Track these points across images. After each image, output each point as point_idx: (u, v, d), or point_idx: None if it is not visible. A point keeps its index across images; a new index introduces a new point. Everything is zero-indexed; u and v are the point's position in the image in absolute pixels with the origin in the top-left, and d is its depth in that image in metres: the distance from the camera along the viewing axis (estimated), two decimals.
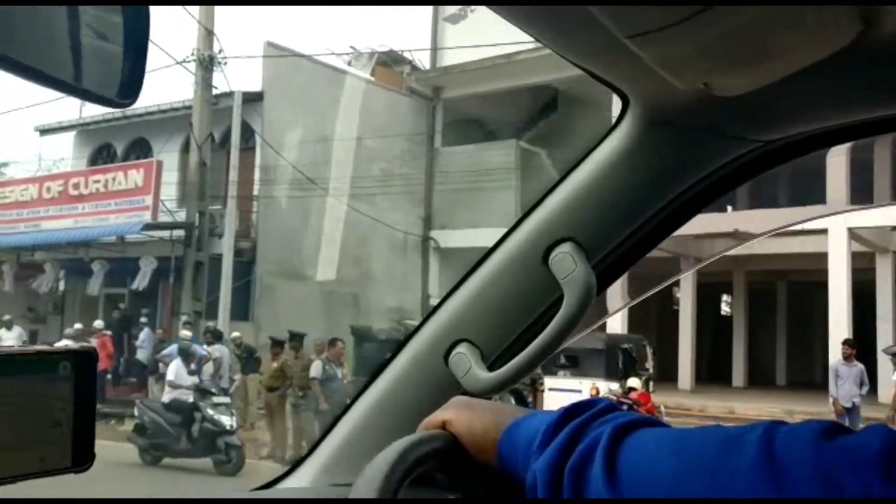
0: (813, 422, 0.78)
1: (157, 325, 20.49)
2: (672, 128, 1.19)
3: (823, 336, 23.91)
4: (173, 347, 15.58)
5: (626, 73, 1.10)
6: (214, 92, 19.18)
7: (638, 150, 1.22)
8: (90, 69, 0.82)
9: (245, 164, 19.96)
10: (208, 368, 14.81)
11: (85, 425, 0.82)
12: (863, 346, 14.79)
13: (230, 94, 19.48)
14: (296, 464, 1.42)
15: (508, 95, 24.67)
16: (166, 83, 17.39)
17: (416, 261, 24.50)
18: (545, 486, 0.88)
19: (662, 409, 14.64)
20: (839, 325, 19.11)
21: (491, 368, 1.24)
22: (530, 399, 13.31)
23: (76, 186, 21.98)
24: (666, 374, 21.80)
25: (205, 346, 15.35)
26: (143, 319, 20.57)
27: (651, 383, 15.51)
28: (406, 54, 25.84)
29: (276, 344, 14.60)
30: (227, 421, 12.54)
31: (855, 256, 20.07)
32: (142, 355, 18.83)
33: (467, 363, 1.26)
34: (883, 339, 19.50)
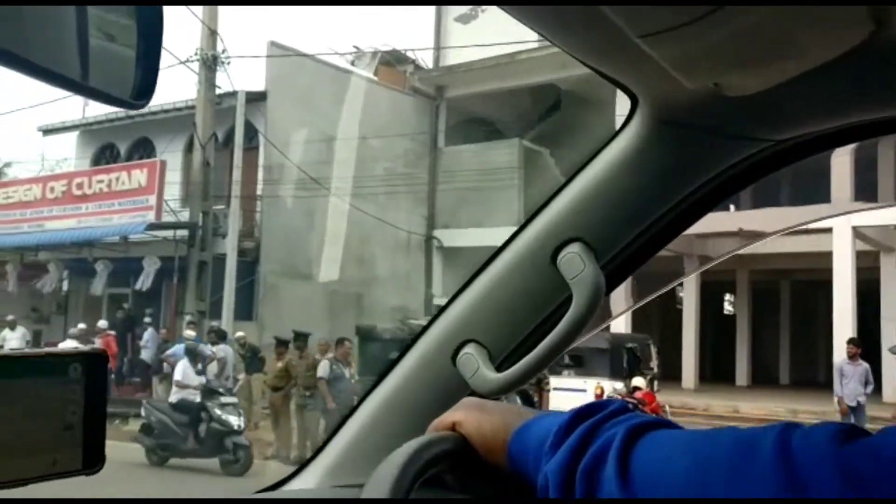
0: (829, 424, 0.78)
1: (161, 325, 20.48)
2: (681, 128, 1.18)
3: (827, 335, 23.87)
4: (178, 347, 15.57)
5: (636, 73, 1.09)
6: (218, 91, 19.19)
7: (647, 150, 1.21)
8: (104, 70, 0.81)
9: (248, 163, 19.97)
10: (212, 368, 14.81)
11: (95, 427, 0.82)
12: (867, 344, 14.77)
13: (233, 94, 19.50)
14: (303, 465, 1.42)
15: (512, 94, 24.67)
16: (170, 83, 17.39)
17: (419, 260, 24.49)
18: (557, 488, 0.88)
19: (667, 408, 14.64)
20: (844, 324, 19.08)
21: (499, 369, 1.24)
22: (536, 399, 13.32)
23: (80, 186, 21.98)
24: (669, 373, 21.78)
25: (209, 346, 15.36)
26: (146, 319, 20.55)
27: (656, 383, 15.50)
28: (409, 53, 25.86)
29: (281, 343, 14.57)
30: (234, 421, 12.52)
31: (859, 255, 20.05)
32: (146, 355, 18.83)
33: (475, 364, 1.25)
34: (887, 338, 19.47)
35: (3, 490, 0.76)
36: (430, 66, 26.22)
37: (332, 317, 20.19)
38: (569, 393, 13.31)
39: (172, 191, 21.34)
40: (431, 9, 26.33)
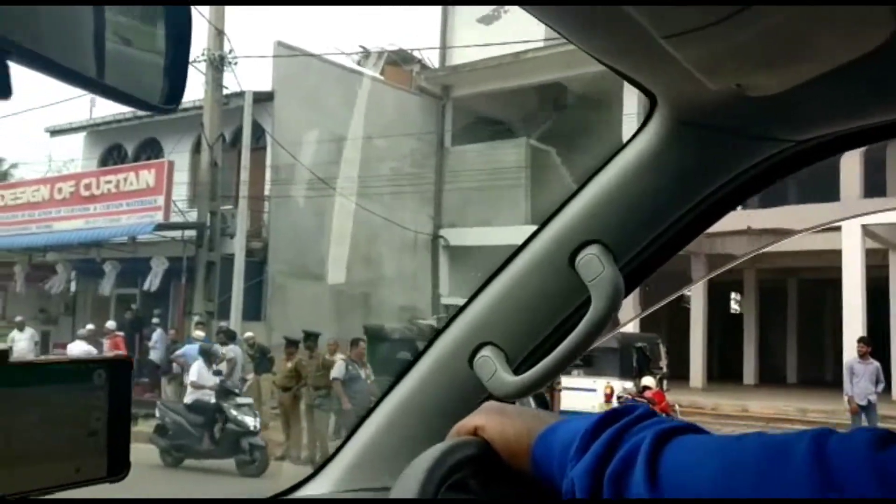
0: (864, 430, 0.77)
1: (169, 326, 20.51)
2: (701, 128, 1.18)
3: (834, 334, 23.83)
4: (187, 348, 15.59)
5: (656, 74, 1.09)
6: (225, 92, 19.22)
7: (666, 151, 1.21)
8: (133, 74, 0.81)
9: (256, 163, 19.99)
10: (222, 369, 14.81)
11: (120, 434, 0.82)
12: (877, 343, 14.74)
13: (241, 94, 19.52)
14: (320, 467, 1.41)
15: (518, 94, 24.67)
16: None
17: (426, 259, 24.50)
18: (584, 492, 0.88)
19: (677, 407, 14.63)
20: (853, 322, 19.03)
21: (516, 372, 1.23)
22: (548, 398, 13.28)
23: (87, 187, 22.02)
24: (677, 373, 21.76)
25: (219, 347, 15.36)
26: (155, 320, 20.59)
27: (665, 382, 15.49)
28: (416, 53, 25.88)
29: (291, 344, 14.52)
30: (250, 422, 12.52)
31: (868, 253, 20.00)
32: (154, 356, 18.85)
33: (492, 366, 1.24)
34: None
35: (30, 497, 0.76)
36: (437, 65, 26.22)
37: (339, 317, 20.21)
38: (579, 392, 13.31)
39: (180, 191, 21.38)
40: (438, 8, 26.35)
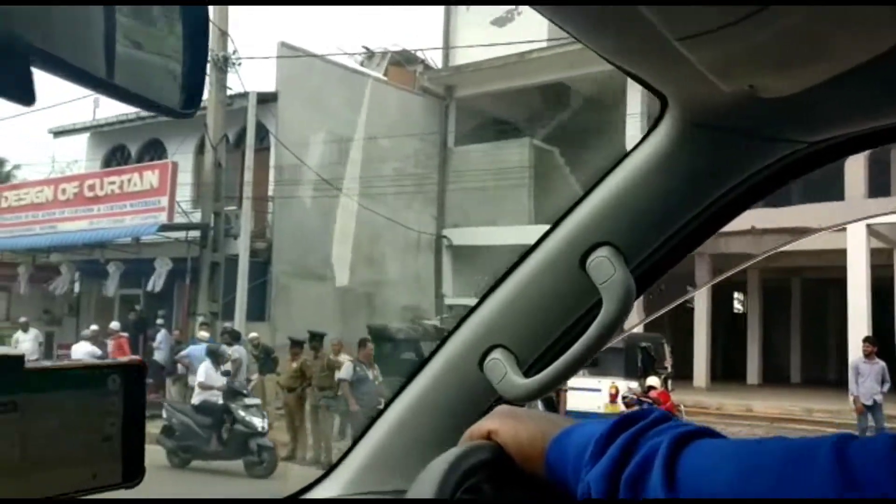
0: (886, 434, 0.77)
1: (173, 327, 20.52)
2: (713, 130, 1.17)
3: (838, 333, 23.78)
4: (192, 348, 15.58)
5: (668, 75, 1.09)
6: (229, 93, 19.22)
7: (677, 153, 1.20)
8: (151, 77, 0.80)
9: (259, 164, 20.01)
10: (229, 369, 14.79)
11: (134, 439, 0.82)
12: (882, 343, 14.72)
13: (244, 95, 19.54)
14: (329, 469, 1.41)
15: (521, 94, 24.68)
16: None
17: (429, 259, 24.51)
18: (601, 497, 0.88)
19: (682, 407, 14.62)
20: (858, 322, 19.01)
21: (526, 374, 1.23)
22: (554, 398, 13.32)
23: (91, 188, 22.02)
24: (681, 372, 21.77)
25: (226, 348, 15.36)
26: (159, 321, 20.61)
27: (670, 382, 15.48)
28: (419, 53, 25.89)
29: (296, 344, 14.45)
30: (258, 422, 12.50)
31: (873, 253, 19.96)
32: (159, 356, 18.85)
33: (503, 369, 1.25)
34: None
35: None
36: (440, 65, 26.22)
37: (343, 317, 20.22)
38: (584, 393, 13.28)
39: (184, 192, 21.38)
40: (441, 8, 26.37)
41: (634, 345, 15.29)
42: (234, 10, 19.15)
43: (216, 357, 13.80)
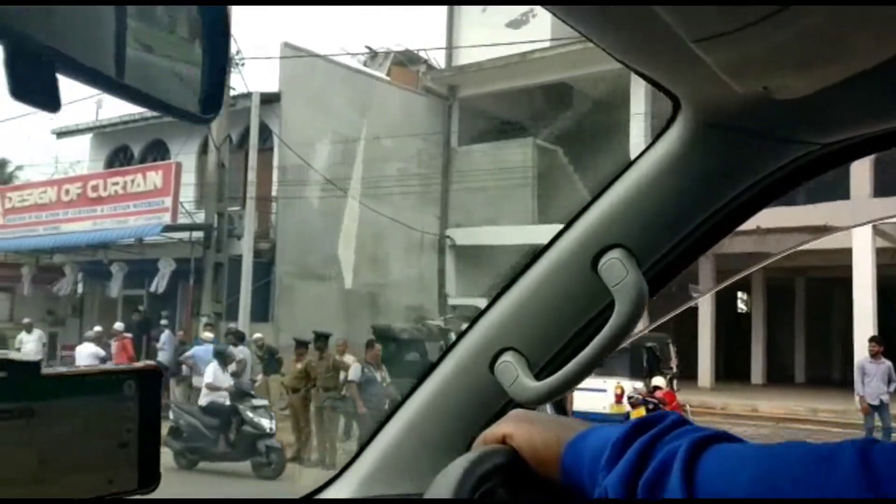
0: None
1: (177, 327, 20.55)
2: (726, 131, 1.16)
3: (842, 333, 23.77)
4: (196, 349, 15.59)
5: (681, 76, 1.08)
6: (232, 93, 19.25)
7: (689, 154, 1.20)
8: (170, 82, 0.79)
9: (263, 164, 20.04)
10: (237, 370, 14.78)
11: (150, 445, 0.83)
12: (888, 342, 14.70)
13: (248, 96, 19.57)
14: (340, 471, 1.41)
15: (524, 94, 24.71)
16: None
17: (432, 259, 24.53)
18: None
19: (688, 407, 14.61)
20: (864, 322, 18.99)
21: (537, 377, 1.23)
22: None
23: (95, 188, 22.09)
24: (685, 372, 21.76)
25: (233, 349, 15.34)
26: (163, 322, 20.64)
27: (675, 382, 15.46)
28: (422, 53, 25.92)
29: (301, 345, 14.42)
30: (266, 423, 12.51)
31: (878, 252, 19.94)
32: (163, 357, 18.86)
33: (514, 372, 1.24)
34: None
35: None
36: (443, 65, 26.24)
37: (347, 317, 20.25)
38: (589, 393, 13.28)
39: (187, 192, 21.43)
40: (443, 8, 26.38)
41: (640, 345, 15.27)
42: (237, 11, 19.15)
43: (224, 358, 13.76)
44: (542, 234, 19.95)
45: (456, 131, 25.03)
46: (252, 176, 19.31)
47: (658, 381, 13.81)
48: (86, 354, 16.46)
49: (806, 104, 1.02)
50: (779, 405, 19.82)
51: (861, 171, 19.42)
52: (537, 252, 1.31)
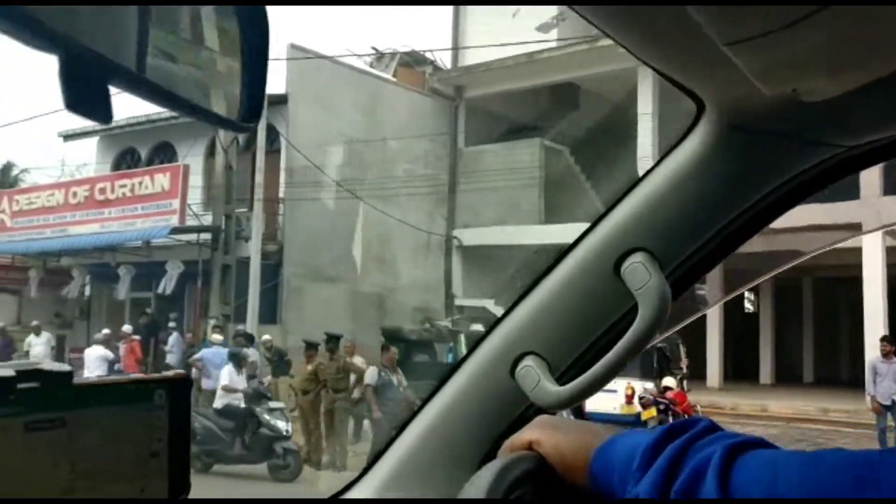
0: None
1: (185, 330, 20.56)
2: (751, 134, 1.15)
3: (850, 332, 23.69)
4: (204, 351, 15.58)
5: (707, 78, 1.07)
6: None
7: (713, 157, 1.19)
8: (213, 89, 0.78)
9: (270, 166, 20.04)
10: (255, 373, 14.75)
11: (180, 454, 0.83)
12: None
13: None
14: (359, 475, 1.40)
15: (531, 94, 24.69)
16: None
17: (440, 260, 24.52)
18: None
19: (698, 408, 14.59)
20: (875, 321, 18.93)
21: (559, 381, 1.22)
22: None
23: (102, 191, 22.11)
24: (694, 372, 21.75)
25: (247, 351, 15.32)
26: (171, 324, 20.64)
27: (685, 382, 15.45)
28: (428, 54, 25.90)
29: (311, 346, 14.33)
30: (283, 426, 12.50)
31: (889, 251, 19.87)
32: (171, 359, 18.88)
33: (536, 376, 1.23)
34: None
35: None
36: (449, 66, 26.22)
37: (355, 318, 20.25)
38: (599, 393, 13.23)
39: (194, 195, 21.45)
40: (449, 9, 26.36)
41: (650, 345, 15.27)
42: None
43: (239, 360, 13.72)
44: (549, 234, 19.97)
45: (463, 132, 25.02)
46: (259, 178, 19.31)
47: (668, 381, 13.81)
48: (95, 357, 16.50)
49: (832, 106, 1.01)
50: (788, 405, 19.79)
51: (871, 170, 19.31)
52: (559, 255, 1.30)
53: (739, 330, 28.79)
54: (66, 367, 0.75)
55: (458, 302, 23.66)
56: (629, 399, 13.95)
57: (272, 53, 0.78)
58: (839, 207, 17.75)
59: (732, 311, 27.62)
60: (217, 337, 16.05)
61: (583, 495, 0.98)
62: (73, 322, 24.80)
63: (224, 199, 19.10)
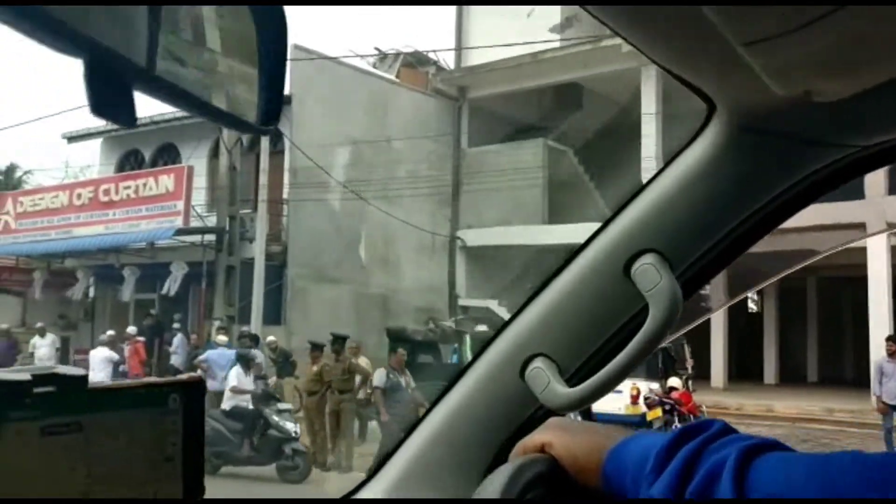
0: None
1: (189, 331, 20.57)
2: (763, 134, 1.15)
3: (854, 332, 23.64)
4: (210, 353, 15.57)
5: (719, 79, 1.06)
6: None
7: (724, 158, 1.18)
8: (229, 92, 0.78)
9: (274, 167, 20.04)
10: (263, 374, 14.73)
11: (194, 459, 0.83)
12: None
13: None
14: (368, 476, 1.40)
15: (534, 94, 24.68)
16: None
17: (443, 260, 24.53)
18: None
19: (704, 408, 14.58)
20: (880, 321, 18.90)
21: (568, 383, 1.21)
22: None
23: (107, 192, 22.14)
24: (698, 373, 21.74)
25: (255, 352, 15.30)
26: (175, 325, 20.65)
27: (690, 383, 15.44)
28: (431, 55, 25.89)
29: (316, 347, 14.29)
30: (291, 427, 12.49)
31: (893, 251, 19.83)
32: (176, 361, 18.90)
33: (545, 378, 1.22)
34: None
35: None
36: (452, 67, 26.22)
37: (359, 319, 20.25)
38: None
39: (199, 196, 21.48)
40: (452, 9, 26.35)
41: None
42: None
43: (247, 362, 13.69)
44: (553, 234, 19.98)
45: (466, 132, 25.02)
46: (263, 179, 19.32)
47: (674, 381, 13.79)
48: (100, 359, 16.52)
49: (845, 106, 1.01)
50: (793, 405, 19.77)
51: (876, 171, 19.28)
52: (568, 256, 1.29)
53: (743, 330, 28.73)
54: (80, 371, 0.75)
55: (461, 302, 23.67)
56: (634, 399, 13.94)
57: None
58: (843, 207, 17.70)
59: (736, 311, 27.53)
60: (222, 338, 16.05)
61: (596, 497, 0.98)
62: (77, 323, 24.81)
63: (228, 201, 19.10)
